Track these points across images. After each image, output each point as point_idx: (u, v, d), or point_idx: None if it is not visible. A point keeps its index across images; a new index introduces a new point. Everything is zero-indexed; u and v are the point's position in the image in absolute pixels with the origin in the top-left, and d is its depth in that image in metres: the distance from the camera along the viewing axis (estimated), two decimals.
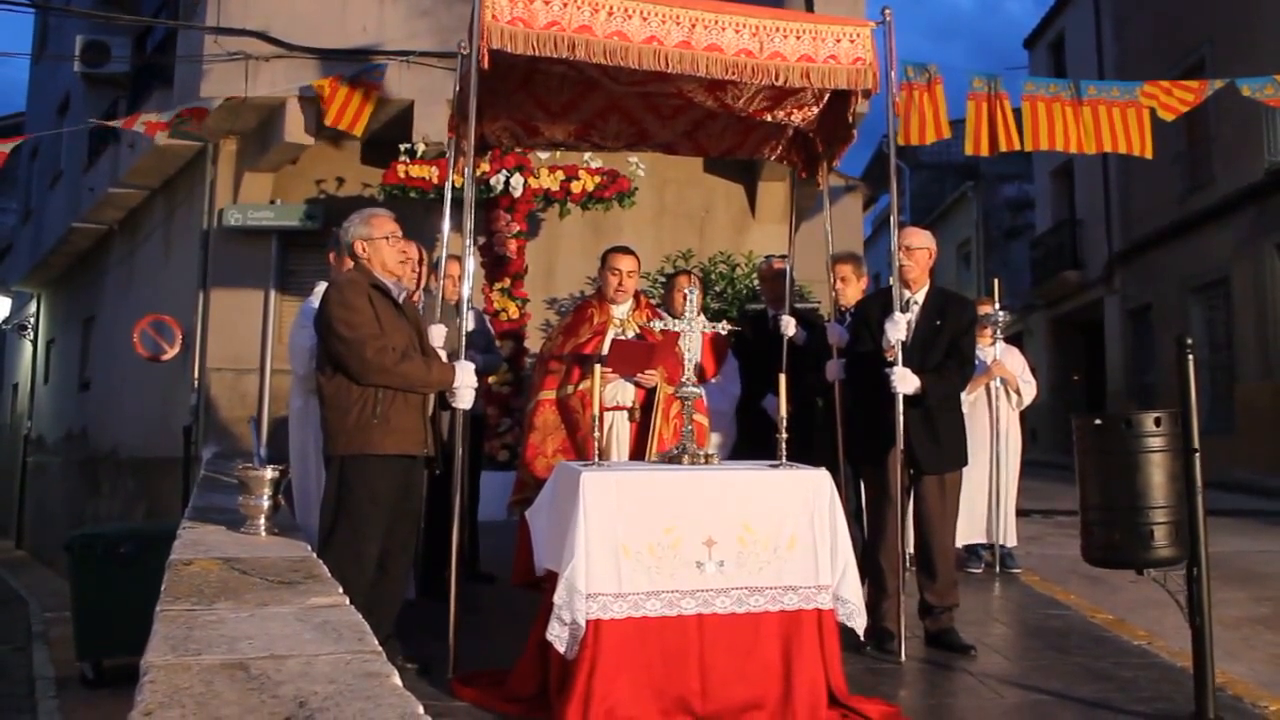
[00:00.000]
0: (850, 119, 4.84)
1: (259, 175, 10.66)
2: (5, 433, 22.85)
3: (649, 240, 10.67)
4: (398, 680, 2.19)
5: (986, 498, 6.61)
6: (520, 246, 9.45)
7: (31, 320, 19.96)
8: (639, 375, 4.68)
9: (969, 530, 6.68)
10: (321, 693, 2.08)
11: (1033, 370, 6.98)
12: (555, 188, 9.40)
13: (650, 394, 4.75)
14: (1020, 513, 7.04)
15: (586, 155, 9.11)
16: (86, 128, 12.36)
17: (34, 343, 19.83)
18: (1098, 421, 3.63)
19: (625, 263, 4.90)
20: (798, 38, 4.26)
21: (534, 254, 9.94)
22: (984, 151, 8.68)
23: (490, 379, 7.51)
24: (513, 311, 9.27)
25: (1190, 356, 3.53)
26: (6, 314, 21.01)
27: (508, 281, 9.32)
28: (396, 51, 9.68)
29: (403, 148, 9.49)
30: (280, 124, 9.87)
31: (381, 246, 4.13)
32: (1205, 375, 15.90)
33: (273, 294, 10.65)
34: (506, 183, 9.21)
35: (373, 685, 2.13)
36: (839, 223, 8.08)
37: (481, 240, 9.31)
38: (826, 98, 4.87)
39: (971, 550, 6.78)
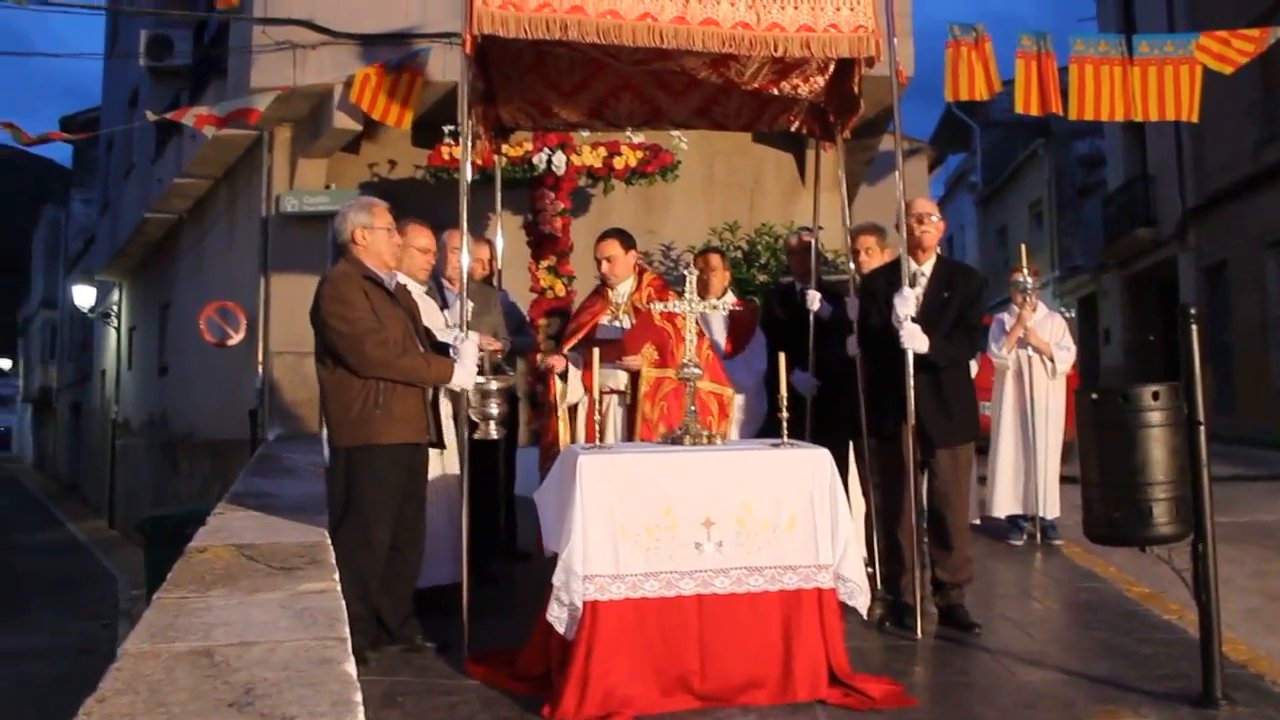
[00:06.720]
0: (856, 89, 4.74)
1: (313, 161, 10.86)
2: (96, 417, 23.81)
3: (699, 212, 10.65)
4: (349, 667, 2.27)
5: (1023, 468, 6.50)
6: (565, 224, 9.49)
7: (115, 308, 20.67)
8: (617, 361, 4.71)
9: (1009, 501, 6.61)
10: (271, 679, 2.17)
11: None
12: (598, 164, 9.41)
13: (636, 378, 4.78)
14: (1067, 479, 6.89)
15: (629, 130, 9.10)
16: (152, 120, 12.67)
17: (117, 330, 20.54)
18: (1094, 396, 3.55)
19: (601, 248, 5.02)
20: (795, 7, 4.19)
21: (582, 230, 9.95)
22: (1034, 111, 8.49)
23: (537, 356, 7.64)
24: (559, 289, 9.33)
25: (1194, 326, 3.42)
26: (93, 302, 21.83)
27: (553, 259, 9.38)
28: (440, 34, 9.75)
29: (446, 129, 9.57)
30: (330, 110, 10.04)
31: (381, 237, 4.13)
32: None
33: None
34: (549, 161, 9.25)
35: (320, 672, 2.21)
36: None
37: (528, 218, 9.39)
38: (832, 68, 4.79)
39: (1013, 521, 6.68)
